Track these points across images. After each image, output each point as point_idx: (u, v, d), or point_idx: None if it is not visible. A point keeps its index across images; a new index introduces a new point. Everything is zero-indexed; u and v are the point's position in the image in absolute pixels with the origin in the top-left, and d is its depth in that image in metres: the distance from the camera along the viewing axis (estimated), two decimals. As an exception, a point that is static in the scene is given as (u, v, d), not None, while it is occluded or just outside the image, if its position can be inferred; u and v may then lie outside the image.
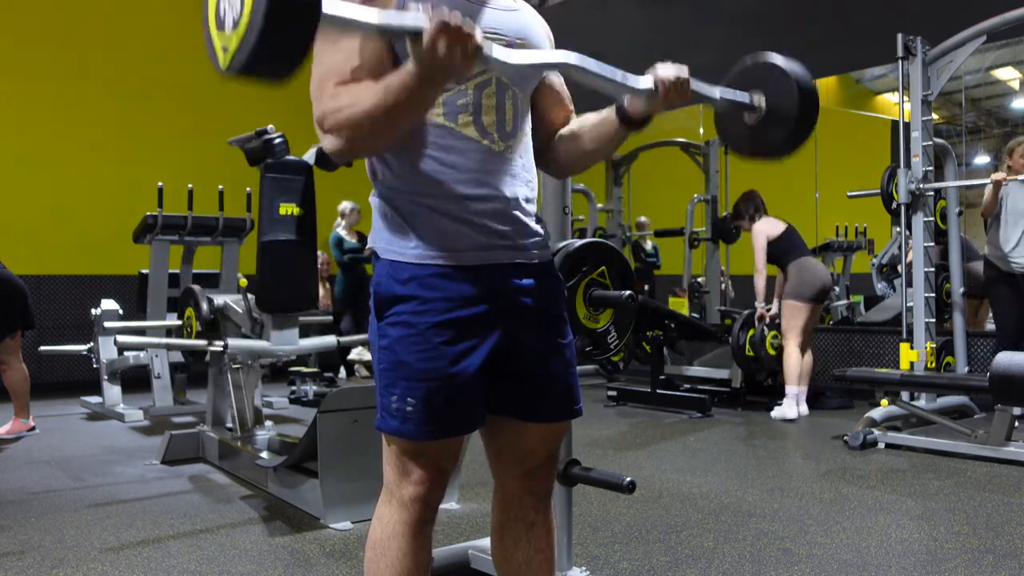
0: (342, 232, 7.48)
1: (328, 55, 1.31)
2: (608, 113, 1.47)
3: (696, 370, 6.09)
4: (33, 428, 4.99)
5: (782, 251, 5.30)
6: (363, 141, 1.29)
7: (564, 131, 1.55)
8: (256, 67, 1.06)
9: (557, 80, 1.56)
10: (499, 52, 1.22)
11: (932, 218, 4.74)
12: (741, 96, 1.48)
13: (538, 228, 1.46)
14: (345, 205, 7.47)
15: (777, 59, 1.49)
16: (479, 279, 1.37)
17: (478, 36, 1.15)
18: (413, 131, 1.35)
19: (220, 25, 1.11)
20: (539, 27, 1.49)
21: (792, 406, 5.13)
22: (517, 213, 1.41)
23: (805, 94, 1.45)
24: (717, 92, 1.47)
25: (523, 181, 1.44)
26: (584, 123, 1.52)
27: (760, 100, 1.48)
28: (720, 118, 1.56)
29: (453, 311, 1.35)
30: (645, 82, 1.39)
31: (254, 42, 1.02)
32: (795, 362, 5.14)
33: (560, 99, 1.56)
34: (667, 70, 1.40)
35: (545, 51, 1.36)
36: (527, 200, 1.44)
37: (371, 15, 1.12)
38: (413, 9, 1.30)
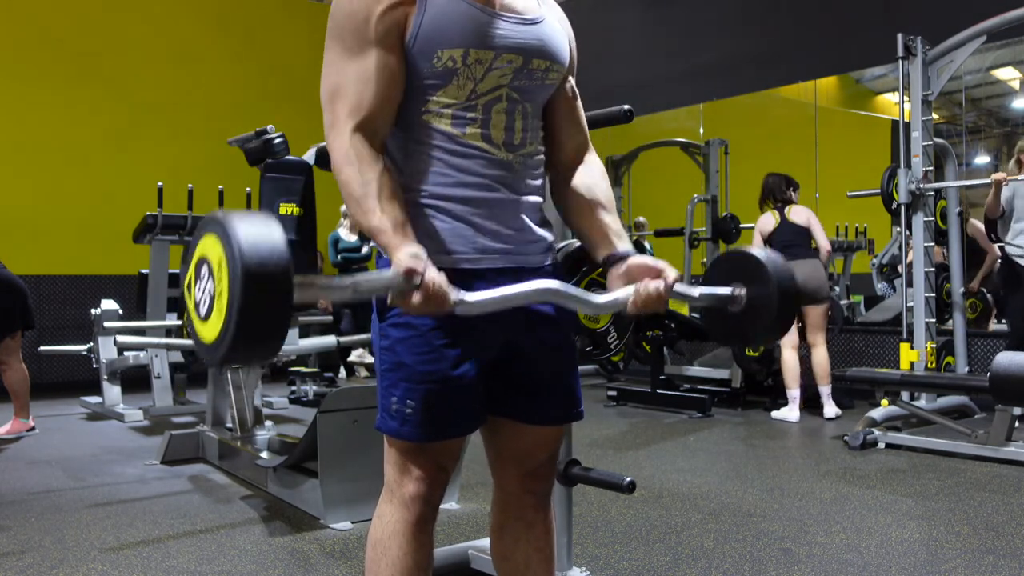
0: (341, 232, 7.49)
1: (342, 63, 1.32)
2: (598, 246, 1.46)
3: (696, 370, 6.09)
4: (33, 428, 4.99)
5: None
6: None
7: (577, 186, 1.48)
8: (236, 358, 1.11)
9: (570, 94, 1.50)
10: (472, 298, 1.24)
11: (932, 218, 4.74)
12: (722, 291, 1.52)
13: (543, 233, 1.45)
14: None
15: (758, 254, 1.53)
16: (483, 282, 1.36)
17: (452, 299, 1.21)
18: (419, 135, 1.36)
19: (193, 287, 1.18)
20: (562, 39, 1.44)
21: (794, 409, 5.13)
22: (522, 217, 1.41)
23: (784, 291, 1.49)
24: (697, 292, 1.49)
25: (530, 189, 1.42)
26: (589, 207, 1.47)
27: (741, 292, 1.51)
28: (703, 309, 1.60)
29: (457, 314, 1.34)
30: (624, 293, 1.38)
31: (230, 338, 1.07)
32: (787, 365, 5.12)
33: (574, 118, 1.50)
34: (647, 283, 1.37)
35: (522, 285, 1.30)
36: (533, 205, 1.43)
37: (344, 281, 1.17)
38: (433, 9, 1.29)
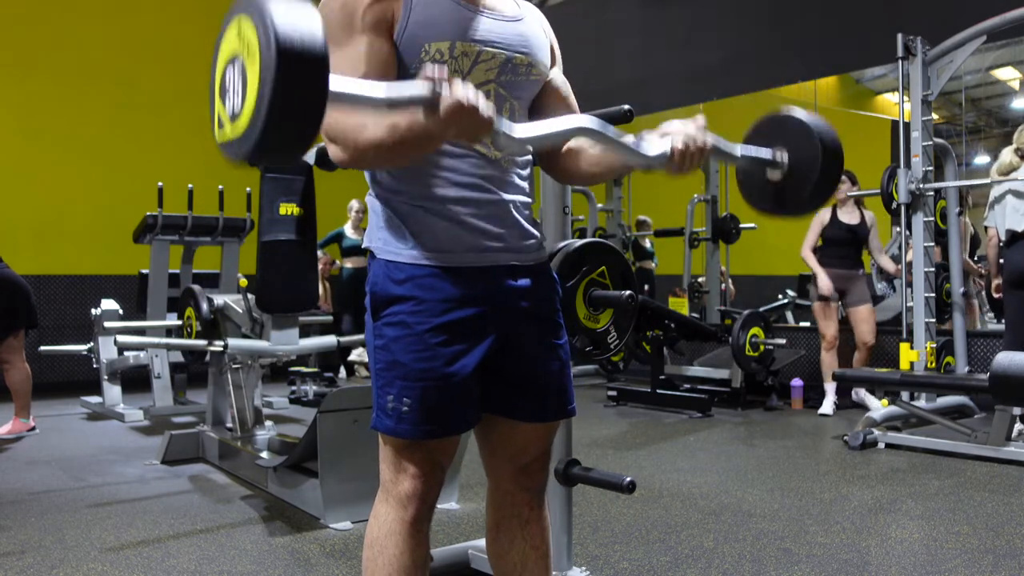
0: (347, 229, 7.47)
1: (333, 58, 1.31)
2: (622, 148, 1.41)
3: (696, 370, 6.09)
4: (33, 428, 4.99)
5: None
6: (366, 163, 1.31)
7: (572, 143, 1.51)
8: (263, 157, 1.02)
9: (560, 80, 1.54)
10: (508, 127, 1.19)
11: (932, 218, 4.74)
12: (763, 152, 1.44)
13: (533, 230, 1.47)
14: (353, 203, 7.49)
15: (800, 114, 1.45)
16: (475, 280, 1.38)
17: (490, 115, 1.14)
18: None
19: (223, 96, 1.08)
20: (541, 37, 1.47)
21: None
22: (513, 215, 1.42)
23: (828, 150, 1.41)
24: (738, 150, 1.42)
25: (519, 189, 1.44)
26: (591, 145, 1.47)
27: (783, 156, 1.44)
28: (742, 173, 1.52)
29: (449, 312, 1.36)
30: (660, 146, 1.31)
31: (259, 134, 0.98)
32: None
33: (564, 101, 1.54)
34: (684, 135, 1.31)
35: (558, 119, 1.27)
36: (523, 204, 1.45)
37: (379, 89, 1.09)
38: (419, 6, 1.29)
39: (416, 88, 1.11)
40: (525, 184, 1.47)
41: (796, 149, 1.43)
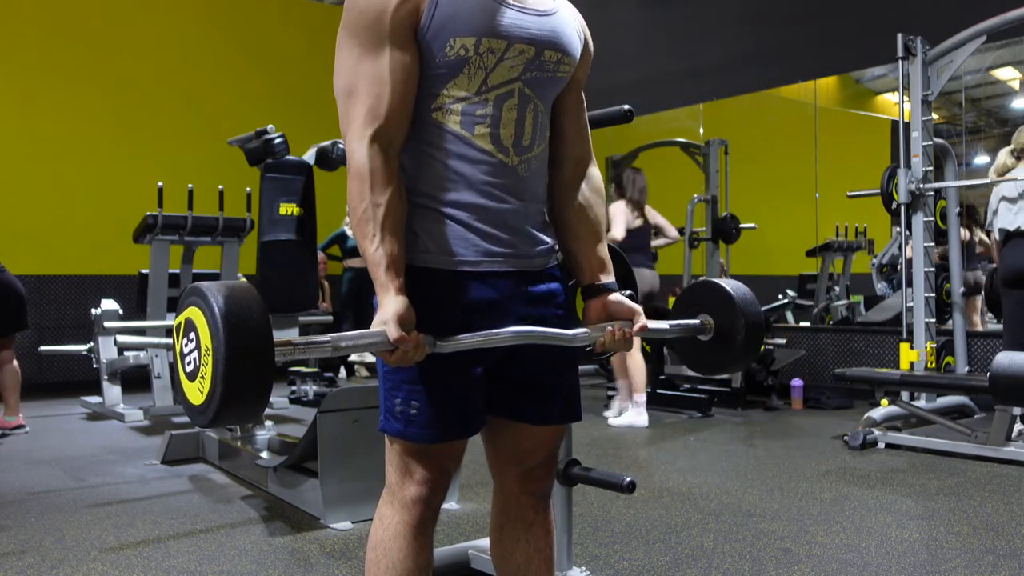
0: (347, 229, 7.47)
1: (355, 59, 1.31)
2: (584, 272, 1.51)
3: (696, 370, 6.06)
4: (22, 426, 4.97)
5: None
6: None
7: (578, 210, 1.49)
8: (223, 422, 1.17)
9: (580, 99, 1.52)
10: (442, 345, 1.29)
11: (932, 218, 4.73)
12: (691, 322, 1.62)
13: (545, 237, 1.46)
14: None
15: (728, 288, 1.61)
16: (484, 285, 1.37)
17: (428, 350, 1.26)
18: (427, 135, 1.36)
19: (186, 373, 1.21)
20: (574, 33, 1.45)
21: (643, 412, 5.00)
22: (525, 222, 1.41)
23: (750, 324, 1.58)
24: (667, 325, 1.59)
25: (534, 195, 1.43)
26: (586, 234, 1.50)
27: (709, 321, 1.61)
28: (677, 342, 1.69)
29: (458, 316, 1.35)
30: (596, 331, 1.43)
31: (216, 407, 1.12)
32: (639, 366, 4.96)
33: (580, 125, 1.51)
34: (619, 327, 1.43)
35: (491, 331, 1.32)
36: (537, 211, 1.44)
37: (324, 339, 1.20)
38: (445, 7, 1.30)
39: (368, 339, 1.24)
40: (541, 191, 1.45)
41: (722, 318, 1.61)
